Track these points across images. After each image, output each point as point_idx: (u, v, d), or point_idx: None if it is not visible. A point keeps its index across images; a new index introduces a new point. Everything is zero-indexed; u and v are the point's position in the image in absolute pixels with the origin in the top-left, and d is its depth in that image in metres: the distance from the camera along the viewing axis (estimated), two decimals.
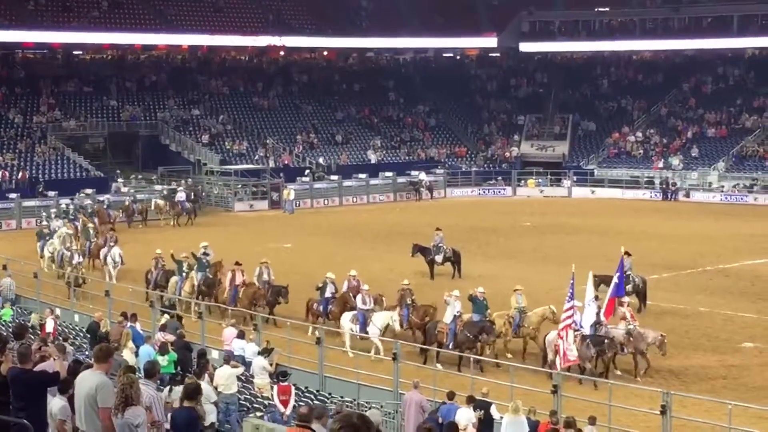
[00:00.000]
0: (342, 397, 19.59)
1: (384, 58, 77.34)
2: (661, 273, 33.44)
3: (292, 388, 17.82)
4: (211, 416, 15.53)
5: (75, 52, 65.66)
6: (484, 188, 62.02)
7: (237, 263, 28.75)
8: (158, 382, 13.45)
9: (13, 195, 48.56)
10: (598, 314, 23.01)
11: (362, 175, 58.83)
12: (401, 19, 73.37)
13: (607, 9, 73.73)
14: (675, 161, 61.63)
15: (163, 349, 18.73)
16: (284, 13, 72.38)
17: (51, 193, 48.74)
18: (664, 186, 58.72)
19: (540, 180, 62.00)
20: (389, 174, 59.44)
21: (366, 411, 16.14)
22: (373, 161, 63.09)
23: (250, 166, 57.87)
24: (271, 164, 59.09)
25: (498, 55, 77.60)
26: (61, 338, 20.47)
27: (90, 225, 39.27)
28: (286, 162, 60.24)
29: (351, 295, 26.25)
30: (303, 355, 22.46)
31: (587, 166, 63.90)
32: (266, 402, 18.08)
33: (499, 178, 62.63)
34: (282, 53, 72.16)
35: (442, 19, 73.90)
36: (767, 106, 64.53)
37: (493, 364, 22.77)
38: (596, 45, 73.62)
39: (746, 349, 25.09)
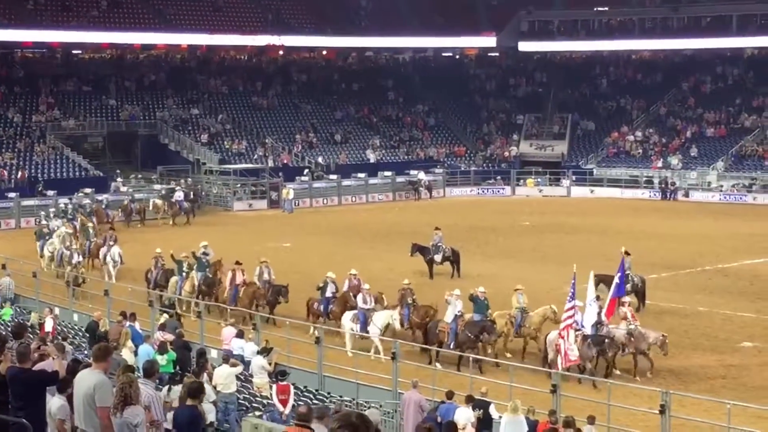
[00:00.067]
0: (341, 396, 19.59)
1: (383, 57, 77.35)
2: (660, 272, 33.44)
3: (291, 387, 17.81)
4: (210, 415, 15.53)
5: (74, 52, 65.64)
6: (483, 188, 62.01)
7: (237, 263, 28.74)
8: (157, 381, 13.46)
9: (12, 194, 48.54)
10: (599, 314, 23.01)
11: (361, 175, 58.81)
12: (400, 19, 73.38)
13: (606, 8, 73.77)
14: (674, 161, 61.65)
15: (162, 349, 18.71)
16: (283, 13, 72.38)
17: (50, 193, 48.73)
18: (663, 185, 58.74)
19: (539, 179, 61.99)
20: (388, 173, 59.44)
21: (365, 410, 16.13)
22: (372, 161, 63.08)
23: (249, 165, 57.85)
24: (270, 164, 59.06)
25: (497, 54, 77.61)
26: (60, 337, 20.48)
27: (89, 224, 39.29)
28: (285, 161, 60.23)
29: (351, 294, 26.23)
30: (302, 354, 22.46)
31: (586, 165, 63.90)
32: (265, 401, 18.08)
33: (498, 177, 62.63)
34: (281, 53, 72.15)
35: (442, 19, 73.93)
36: (766, 105, 64.54)
37: (492, 364, 22.76)
38: (595, 44, 73.63)
39: (745, 348, 25.10)
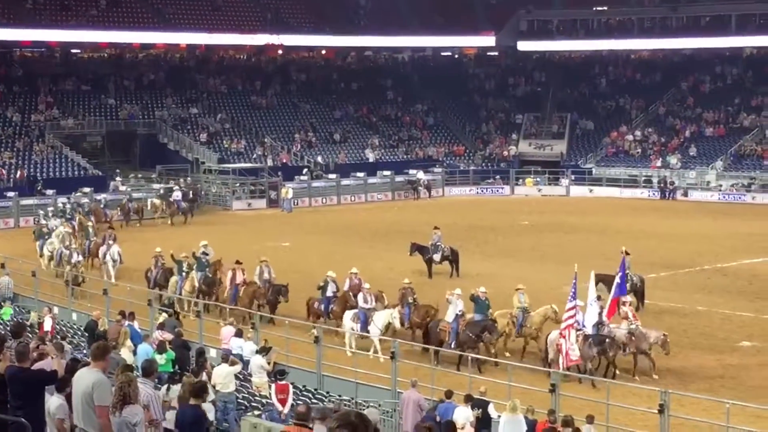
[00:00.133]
0: (340, 395, 19.59)
1: (382, 56, 77.33)
2: (659, 272, 33.44)
3: (290, 386, 17.82)
4: (209, 415, 15.51)
5: (73, 51, 65.65)
6: (482, 187, 62.01)
7: (237, 262, 28.75)
8: (156, 380, 13.46)
9: (11, 193, 48.53)
10: (600, 314, 23.00)
11: (360, 174, 58.79)
12: (399, 18, 73.37)
13: (606, 8, 73.80)
14: (673, 160, 61.66)
15: (161, 348, 18.70)
16: (282, 12, 72.38)
17: (49, 192, 48.71)
18: (662, 185, 58.75)
19: (538, 179, 61.98)
20: (387, 173, 59.44)
21: (364, 409, 16.13)
22: (371, 160, 63.08)
23: (248, 164, 57.85)
24: (269, 163, 59.06)
25: (496, 54, 77.63)
26: (59, 337, 20.49)
27: (89, 224, 39.28)
28: (284, 161, 60.23)
29: (352, 294, 26.21)
30: (301, 353, 22.45)
31: (585, 165, 63.90)
32: (264, 401, 18.08)
33: (497, 176, 62.64)
34: (280, 52, 72.16)
35: (441, 18, 73.91)
36: (765, 105, 64.55)
37: (492, 363, 22.76)
38: (594, 44, 73.64)
39: (744, 348, 25.12)
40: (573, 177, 61.26)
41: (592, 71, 73.72)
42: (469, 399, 17.07)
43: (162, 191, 50.16)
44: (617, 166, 63.21)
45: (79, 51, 66.00)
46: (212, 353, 21.49)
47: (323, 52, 75.16)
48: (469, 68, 77.28)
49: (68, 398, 9.93)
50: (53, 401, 10.11)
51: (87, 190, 48.95)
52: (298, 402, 16.66)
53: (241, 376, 19.24)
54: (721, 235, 42.95)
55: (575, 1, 74.97)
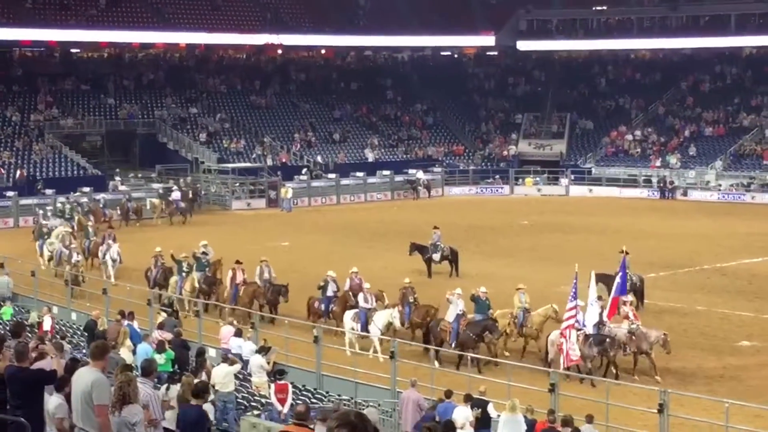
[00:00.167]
0: (339, 395, 19.59)
1: (382, 56, 77.32)
2: (658, 272, 33.46)
3: (290, 386, 17.82)
4: (208, 414, 15.51)
5: (72, 50, 65.61)
6: (482, 187, 62.01)
7: (237, 262, 28.73)
8: (155, 380, 13.45)
9: (10, 193, 48.51)
10: (600, 314, 23.00)
11: (360, 174, 58.77)
12: (399, 18, 73.32)
13: (605, 8, 73.82)
14: (672, 160, 61.67)
15: (160, 348, 18.70)
16: (282, 12, 72.36)
17: (49, 192, 48.69)
18: (661, 185, 58.75)
19: (538, 178, 61.98)
20: (387, 172, 59.42)
21: (363, 409, 16.13)
22: (370, 160, 63.08)
23: (248, 164, 57.86)
24: (269, 162, 59.06)
25: (496, 53, 77.64)
26: (58, 336, 20.48)
27: (88, 223, 39.26)
28: (283, 160, 60.22)
29: (352, 294, 26.19)
30: (300, 353, 22.43)
31: (585, 164, 63.91)
32: (263, 400, 18.08)
33: (497, 176, 62.64)
34: (280, 51, 72.15)
35: (440, 18, 73.90)
36: (765, 104, 64.58)
37: (492, 364, 22.74)
38: (594, 44, 73.65)
39: (743, 347, 25.12)
40: (572, 177, 61.27)
41: (592, 71, 73.74)
42: (468, 399, 17.06)
43: (161, 191, 50.13)
44: (617, 166, 63.21)
45: (78, 50, 65.98)
46: (212, 353, 21.49)
47: (323, 51, 75.16)
48: (469, 68, 77.30)
49: (67, 398, 9.94)
50: (53, 401, 10.12)
51: (86, 189, 48.94)
52: (298, 402, 16.66)
53: (240, 376, 19.24)
54: (721, 235, 42.95)
55: (575, 1, 74.96)
